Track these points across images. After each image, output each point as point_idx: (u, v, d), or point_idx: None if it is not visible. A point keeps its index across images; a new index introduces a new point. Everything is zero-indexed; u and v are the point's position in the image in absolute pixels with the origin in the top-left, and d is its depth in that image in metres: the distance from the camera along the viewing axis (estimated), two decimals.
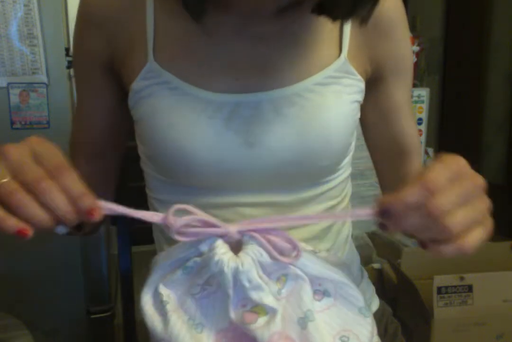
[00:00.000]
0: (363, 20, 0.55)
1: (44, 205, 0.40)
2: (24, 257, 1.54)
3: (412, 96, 1.95)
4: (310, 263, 0.50)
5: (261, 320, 0.47)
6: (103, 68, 0.64)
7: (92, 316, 1.64)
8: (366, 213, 0.44)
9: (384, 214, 0.43)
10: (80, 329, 1.63)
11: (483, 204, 0.44)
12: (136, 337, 1.04)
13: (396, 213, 0.42)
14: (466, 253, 0.43)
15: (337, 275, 0.51)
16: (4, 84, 1.46)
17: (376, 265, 1.41)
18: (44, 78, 1.47)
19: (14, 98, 1.47)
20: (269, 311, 0.48)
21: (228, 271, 0.46)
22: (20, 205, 0.40)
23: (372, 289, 0.76)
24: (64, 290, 1.58)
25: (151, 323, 0.50)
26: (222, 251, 0.47)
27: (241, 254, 0.47)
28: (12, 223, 0.40)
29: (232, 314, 0.48)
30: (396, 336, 0.77)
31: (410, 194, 0.42)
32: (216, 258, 0.47)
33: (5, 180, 0.40)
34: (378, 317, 0.73)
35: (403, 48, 0.67)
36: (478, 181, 0.44)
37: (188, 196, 0.63)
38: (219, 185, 0.61)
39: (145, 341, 0.52)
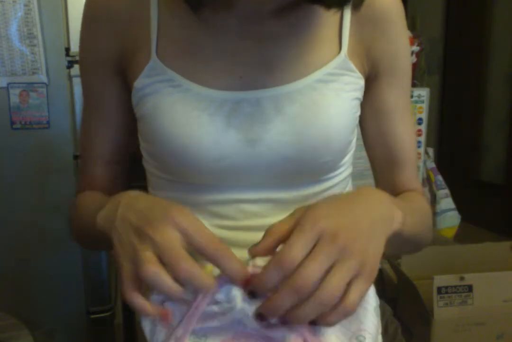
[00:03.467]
0: (355, 7, 0.55)
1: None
2: (24, 257, 1.54)
3: (412, 96, 1.95)
4: None
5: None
6: (113, 69, 0.64)
7: (92, 316, 1.64)
8: None
9: (253, 294, 0.44)
10: (80, 329, 1.63)
11: (352, 259, 0.43)
12: (136, 337, 1.05)
13: (260, 293, 0.44)
14: (351, 313, 0.43)
15: None
16: (4, 84, 1.46)
17: None
18: (44, 78, 1.47)
19: (14, 98, 1.47)
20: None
21: (253, 315, 0.46)
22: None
23: (372, 289, 0.76)
24: (64, 290, 1.58)
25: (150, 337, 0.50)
26: (242, 298, 0.47)
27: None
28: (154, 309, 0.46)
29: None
30: (396, 336, 0.77)
31: (267, 274, 0.43)
32: (239, 306, 0.46)
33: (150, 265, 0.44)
34: None
35: (399, 47, 0.65)
36: (339, 238, 0.43)
37: (189, 193, 0.63)
38: (220, 181, 0.62)
39: (145, 341, 0.52)
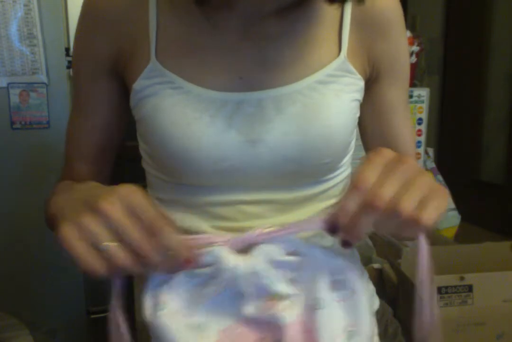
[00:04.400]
0: (359, 1, 0.56)
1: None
2: (24, 257, 1.55)
3: (412, 96, 1.95)
4: (330, 258, 0.51)
5: (282, 304, 0.48)
6: (108, 70, 0.64)
7: (92, 316, 1.65)
8: (317, 225, 0.46)
9: (334, 229, 0.45)
10: (80, 329, 1.63)
11: (425, 180, 0.45)
12: (136, 337, 1.04)
13: (343, 224, 0.44)
14: (427, 228, 0.44)
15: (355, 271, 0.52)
16: (4, 84, 1.46)
17: (376, 265, 1.41)
18: (44, 78, 1.47)
19: (14, 98, 1.47)
20: (288, 297, 0.48)
21: (244, 274, 0.46)
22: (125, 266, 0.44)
23: (372, 289, 0.76)
24: (64, 290, 1.59)
25: (153, 327, 0.50)
26: (231, 257, 0.47)
27: (253, 253, 0.48)
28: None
29: (250, 308, 0.48)
30: (396, 336, 0.77)
31: (347, 200, 0.44)
32: (231, 265, 0.47)
33: (114, 244, 0.43)
34: (378, 317, 0.73)
35: (399, 48, 0.66)
36: (410, 162, 0.45)
37: (189, 194, 0.63)
38: (221, 183, 0.62)
39: (145, 341, 0.52)
